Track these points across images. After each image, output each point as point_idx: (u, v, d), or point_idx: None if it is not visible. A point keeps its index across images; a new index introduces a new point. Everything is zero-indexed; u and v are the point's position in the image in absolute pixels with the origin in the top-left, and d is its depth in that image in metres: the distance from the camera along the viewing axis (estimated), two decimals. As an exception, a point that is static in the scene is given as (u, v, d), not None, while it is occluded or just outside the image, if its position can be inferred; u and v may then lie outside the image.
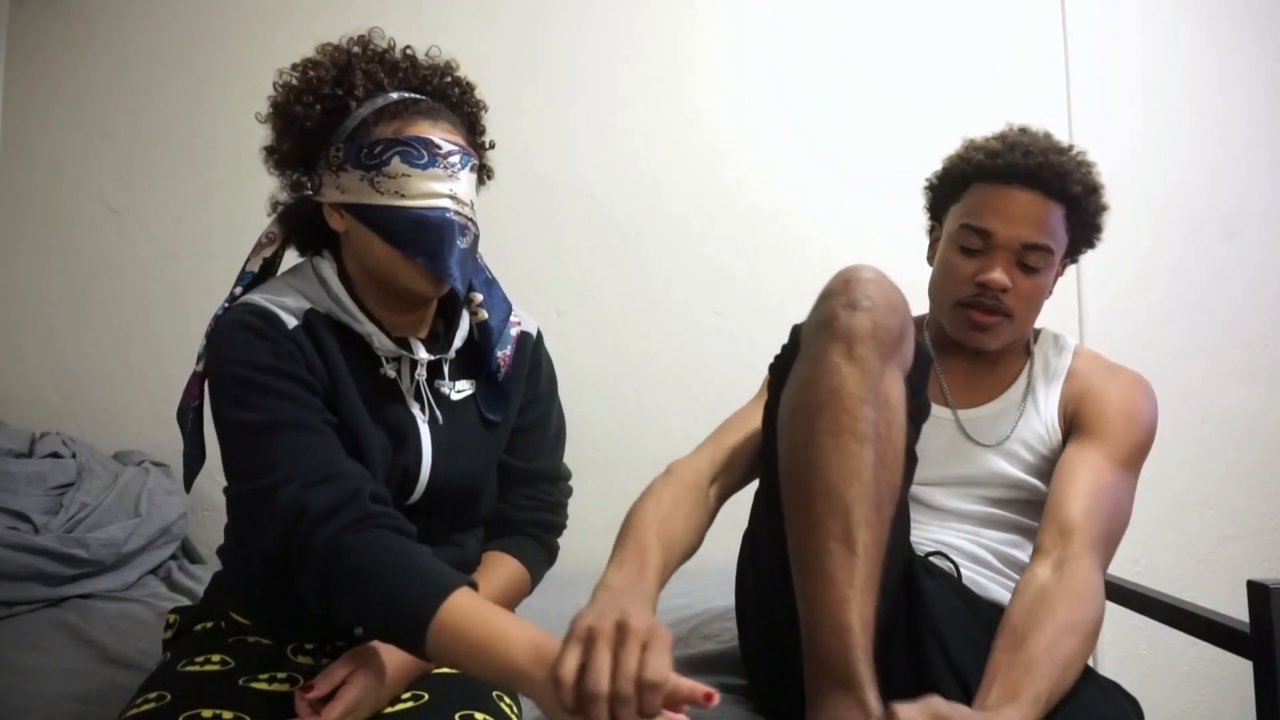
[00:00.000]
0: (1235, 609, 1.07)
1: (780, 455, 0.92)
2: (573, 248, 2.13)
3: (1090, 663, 1.80)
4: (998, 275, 1.14)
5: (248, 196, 2.11)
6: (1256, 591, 1.00)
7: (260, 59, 2.16)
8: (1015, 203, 1.15)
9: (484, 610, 0.80)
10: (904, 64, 2.14)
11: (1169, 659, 2.03)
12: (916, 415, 0.98)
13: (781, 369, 0.99)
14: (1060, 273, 1.23)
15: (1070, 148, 1.19)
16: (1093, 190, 1.18)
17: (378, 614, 0.81)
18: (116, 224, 2.17)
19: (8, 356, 2.17)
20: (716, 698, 0.68)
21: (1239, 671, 1.05)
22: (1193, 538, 2.07)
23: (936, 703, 0.77)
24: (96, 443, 2.01)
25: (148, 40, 2.20)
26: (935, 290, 1.24)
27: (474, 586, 0.83)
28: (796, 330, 1.00)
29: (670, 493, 1.06)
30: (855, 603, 0.81)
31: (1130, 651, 2.03)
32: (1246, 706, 1.03)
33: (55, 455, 1.85)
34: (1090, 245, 1.24)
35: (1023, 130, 1.21)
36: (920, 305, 1.28)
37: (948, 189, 1.24)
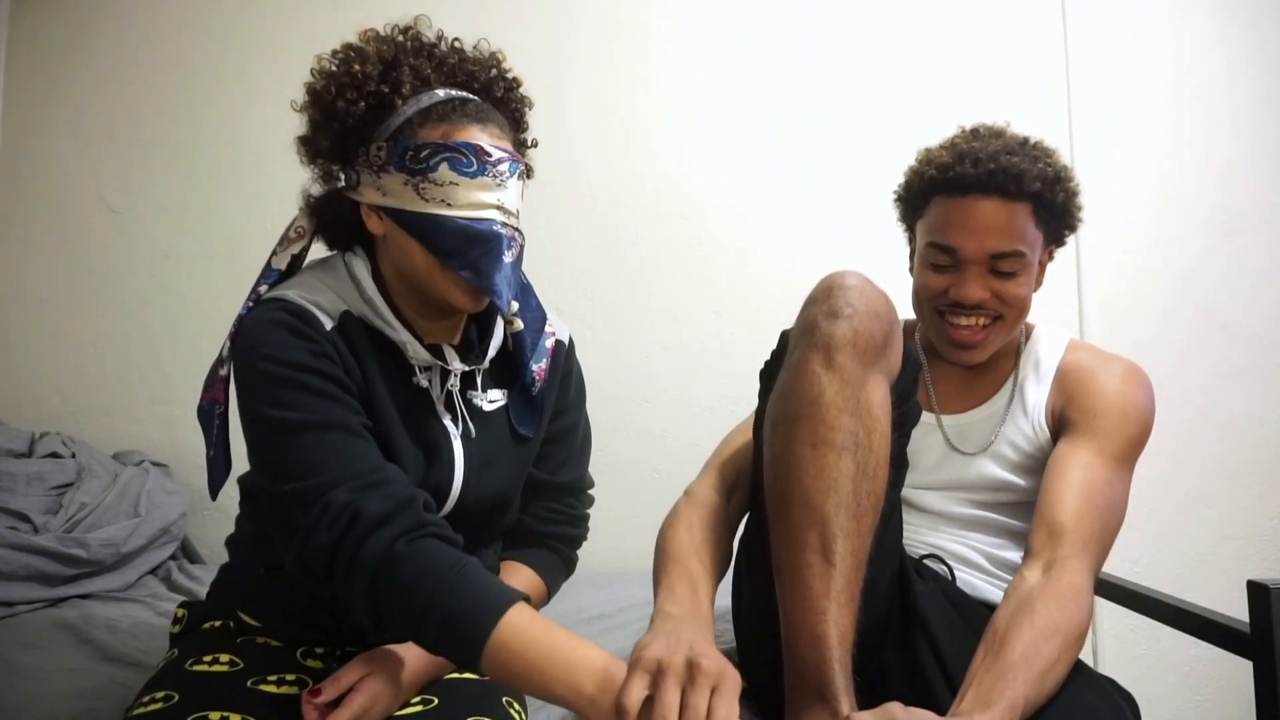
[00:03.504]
0: (1235, 609, 1.07)
1: (764, 466, 0.92)
2: (572, 248, 2.13)
3: (1090, 662, 1.80)
4: (971, 291, 1.12)
5: (249, 196, 2.14)
6: (1256, 591, 1.00)
7: (261, 59, 2.18)
8: (976, 214, 1.11)
9: (543, 627, 0.77)
10: (905, 64, 2.14)
11: (1169, 659, 2.03)
12: (904, 422, 0.97)
13: (769, 376, 0.98)
14: (1048, 259, 1.20)
15: (1025, 141, 1.16)
16: (1055, 180, 1.13)
17: (432, 627, 0.78)
18: (116, 224, 2.17)
19: (8, 356, 2.17)
20: None
21: (1239, 671, 1.05)
22: (1193, 538, 2.07)
23: (894, 709, 0.77)
24: (96, 443, 2.01)
25: (148, 40, 2.20)
26: (915, 305, 1.23)
27: (529, 601, 0.81)
28: (785, 336, 0.99)
29: (700, 517, 1.06)
30: (832, 614, 0.80)
31: (1130, 651, 2.03)
32: (1246, 706, 1.03)
33: (55, 455, 1.85)
34: (1071, 229, 1.20)
35: (973, 133, 1.18)
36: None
37: (910, 204, 1.22)
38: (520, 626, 0.76)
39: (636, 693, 0.69)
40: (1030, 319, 1.25)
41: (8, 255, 2.19)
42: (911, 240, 1.26)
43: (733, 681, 0.69)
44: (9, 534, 1.54)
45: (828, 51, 2.15)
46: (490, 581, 0.81)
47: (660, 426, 2.08)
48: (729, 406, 2.06)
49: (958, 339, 1.16)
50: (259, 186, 2.10)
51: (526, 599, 0.81)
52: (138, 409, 2.12)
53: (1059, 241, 1.21)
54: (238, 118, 2.15)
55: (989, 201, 1.11)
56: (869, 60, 2.15)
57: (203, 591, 1.31)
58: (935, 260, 1.16)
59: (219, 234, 2.13)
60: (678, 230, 2.13)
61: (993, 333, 1.15)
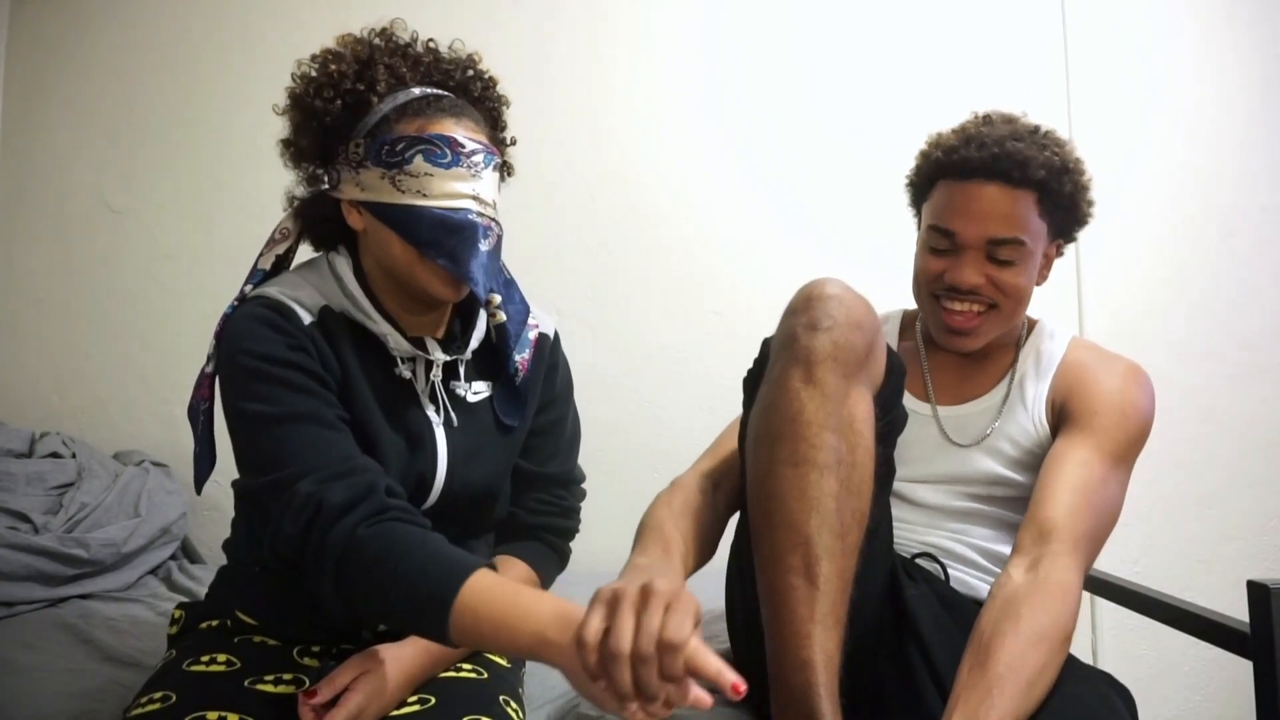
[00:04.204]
0: (1235, 609, 1.07)
1: (747, 483, 0.91)
2: (573, 247, 2.13)
3: (1090, 661, 1.79)
4: (966, 276, 1.11)
5: (248, 196, 2.14)
6: (1256, 591, 1.00)
7: (260, 58, 2.18)
8: (977, 199, 1.11)
9: (505, 586, 0.78)
10: (903, 65, 2.14)
11: (1169, 659, 2.03)
12: (889, 432, 0.95)
13: (752, 386, 0.97)
14: (1055, 254, 1.19)
15: (1035, 130, 1.15)
16: (1062, 171, 1.11)
17: (399, 603, 0.80)
18: (116, 224, 2.17)
19: (8, 356, 2.17)
20: (743, 691, 0.66)
21: (1239, 671, 1.05)
22: (1193, 538, 2.07)
23: None
24: (96, 443, 2.01)
25: (148, 40, 2.20)
26: (914, 291, 1.22)
27: (493, 568, 0.82)
28: (767, 344, 0.98)
29: (679, 499, 1.06)
30: (817, 638, 0.80)
31: (1130, 651, 2.03)
32: (1246, 706, 1.03)
33: (55, 455, 1.85)
34: (1080, 223, 1.18)
35: (984, 119, 1.17)
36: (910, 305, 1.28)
37: (918, 188, 1.22)
38: (483, 588, 0.77)
39: (594, 624, 0.69)
40: (1032, 315, 1.25)
41: (7, 255, 2.19)
42: (920, 225, 1.26)
43: (687, 601, 0.69)
44: (9, 534, 1.54)
45: (825, 52, 2.15)
46: (452, 551, 0.82)
47: (659, 426, 2.08)
48: (728, 406, 2.04)
49: (951, 324, 1.15)
50: (259, 187, 2.10)
51: (491, 566, 0.82)
52: (138, 409, 2.12)
53: (1067, 237, 1.19)
54: (238, 118, 2.15)
55: (992, 187, 1.10)
56: (866, 60, 2.15)
57: (203, 591, 1.31)
58: (935, 244, 1.15)
59: (219, 234, 2.13)
60: (678, 230, 2.13)
61: (988, 321, 1.15)
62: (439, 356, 1.00)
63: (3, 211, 2.20)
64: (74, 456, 1.86)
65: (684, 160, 2.14)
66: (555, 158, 2.13)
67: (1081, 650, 2.00)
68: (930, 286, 1.17)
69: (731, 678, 0.65)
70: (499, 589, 0.77)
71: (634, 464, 2.05)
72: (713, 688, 0.67)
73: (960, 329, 1.15)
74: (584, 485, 1.17)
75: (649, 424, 2.09)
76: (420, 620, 0.80)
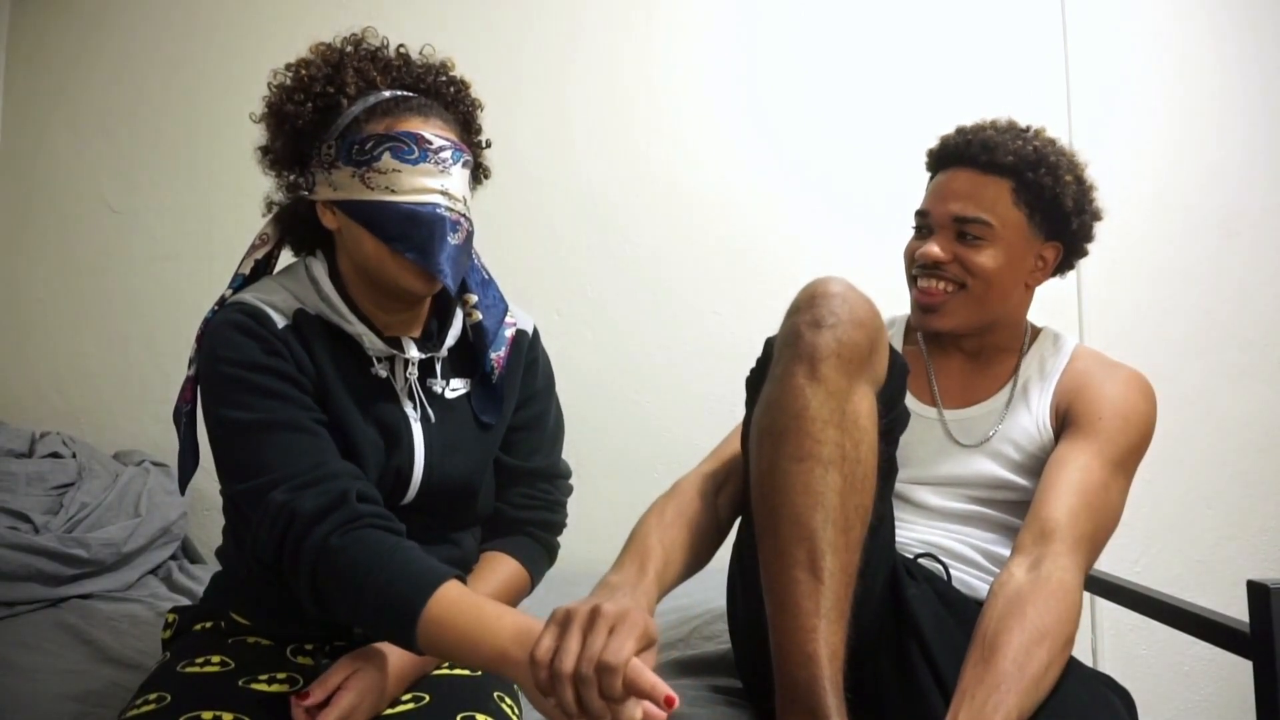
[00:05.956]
0: (1235, 609, 1.07)
1: (751, 480, 0.91)
2: (572, 248, 2.13)
3: (1090, 662, 1.79)
4: (928, 247, 1.16)
5: (248, 196, 2.11)
6: (1256, 591, 1.00)
7: (259, 59, 2.16)
8: (948, 182, 1.18)
9: (471, 600, 0.81)
10: (906, 62, 2.14)
11: (1169, 659, 2.03)
12: (891, 430, 0.96)
13: (755, 385, 0.98)
14: (1055, 259, 1.20)
15: (1025, 129, 1.19)
16: (1036, 162, 1.14)
17: (369, 612, 0.82)
18: (116, 224, 2.17)
19: (8, 356, 2.17)
20: (676, 704, 0.68)
21: (1239, 671, 1.05)
22: (1193, 538, 2.07)
23: None
24: (96, 443, 2.02)
25: (148, 40, 2.20)
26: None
27: (462, 579, 0.84)
28: (770, 343, 0.98)
29: (674, 505, 1.06)
30: (822, 631, 0.80)
31: (1130, 651, 2.03)
32: (1246, 706, 1.03)
33: (55, 455, 1.85)
34: (1066, 221, 1.17)
35: (991, 123, 1.22)
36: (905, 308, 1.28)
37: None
38: (450, 601, 0.80)
39: (546, 643, 0.72)
40: (1034, 321, 1.27)
41: (8, 255, 2.19)
42: None
43: (630, 623, 0.71)
44: (9, 534, 1.54)
45: (825, 55, 2.15)
46: (422, 562, 0.84)
47: (661, 426, 2.08)
48: (729, 407, 2.05)
49: (919, 301, 1.19)
50: (259, 187, 2.09)
51: (460, 577, 0.84)
52: (138, 409, 2.12)
53: (1065, 241, 1.20)
54: (238, 117, 2.13)
55: (964, 171, 1.17)
56: (865, 63, 2.15)
57: (202, 592, 1.31)
58: (916, 226, 1.22)
59: (219, 234, 2.13)
60: (678, 230, 2.13)
61: (956, 301, 1.17)
62: (413, 354, 1.01)
63: (3, 212, 2.20)
64: (74, 456, 1.86)
65: (686, 159, 2.14)
66: (556, 161, 2.13)
67: (1081, 650, 2.00)
68: (909, 269, 1.22)
69: (664, 691, 0.68)
70: (464, 603, 0.80)
71: (634, 465, 2.05)
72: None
73: (928, 305, 1.18)
74: (570, 481, 1.18)
75: (649, 425, 2.08)
76: (388, 630, 0.83)
